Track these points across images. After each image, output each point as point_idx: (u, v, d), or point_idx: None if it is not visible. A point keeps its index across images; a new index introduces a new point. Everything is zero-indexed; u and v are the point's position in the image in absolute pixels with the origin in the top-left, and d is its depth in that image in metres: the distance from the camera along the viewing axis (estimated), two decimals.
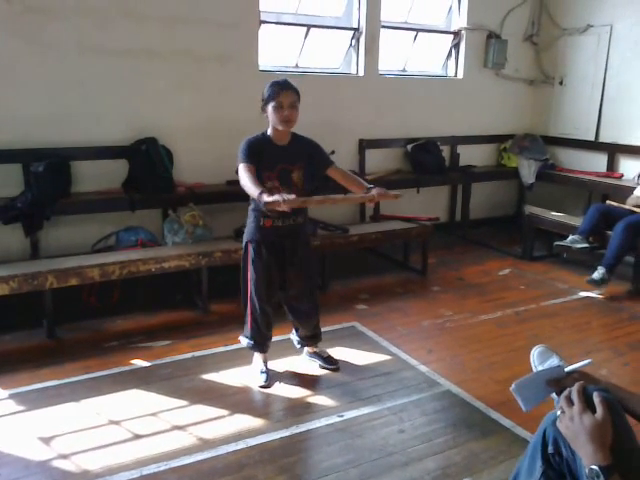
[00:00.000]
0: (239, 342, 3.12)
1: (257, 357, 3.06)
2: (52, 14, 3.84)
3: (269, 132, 2.82)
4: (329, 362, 3.14)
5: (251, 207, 2.88)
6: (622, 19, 5.29)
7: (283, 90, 2.70)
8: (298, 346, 3.21)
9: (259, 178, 2.70)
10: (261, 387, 2.92)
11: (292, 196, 2.49)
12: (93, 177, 4.13)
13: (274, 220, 2.81)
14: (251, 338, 2.99)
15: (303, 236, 3.01)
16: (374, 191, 2.75)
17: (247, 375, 3.02)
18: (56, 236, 4.04)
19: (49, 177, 3.75)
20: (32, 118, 3.89)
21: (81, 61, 3.98)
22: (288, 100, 2.71)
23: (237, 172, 2.74)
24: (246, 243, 2.91)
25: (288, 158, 2.80)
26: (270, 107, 2.72)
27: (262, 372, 2.99)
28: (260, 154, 2.74)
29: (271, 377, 2.98)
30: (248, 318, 2.97)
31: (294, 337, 3.21)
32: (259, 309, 2.91)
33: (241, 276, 2.96)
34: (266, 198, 2.48)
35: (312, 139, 2.93)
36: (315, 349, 3.20)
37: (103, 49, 4.03)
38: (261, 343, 3.01)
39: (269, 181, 2.76)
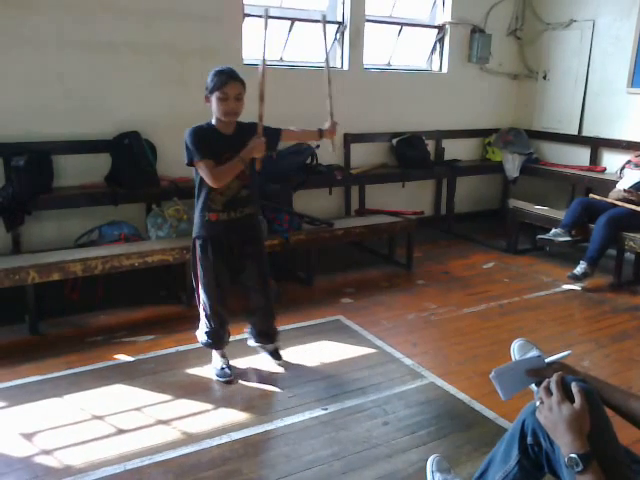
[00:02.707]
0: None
1: (215, 355, 3.00)
2: (31, 8, 3.79)
3: (213, 122, 2.70)
4: (274, 356, 3.09)
5: (196, 200, 2.78)
6: (604, 14, 5.33)
7: (229, 81, 2.57)
8: (250, 342, 3.12)
9: None
10: (225, 383, 2.89)
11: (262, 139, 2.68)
12: (75, 171, 4.09)
13: (219, 214, 2.72)
14: (207, 336, 2.92)
15: (255, 231, 2.90)
16: (327, 125, 2.98)
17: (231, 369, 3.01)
18: (38, 231, 4.00)
19: (30, 171, 3.70)
20: (12, 112, 3.83)
21: (61, 55, 3.93)
22: (234, 91, 2.59)
23: (189, 164, 2.67)
24: (193, 239, 2.82)
25: (234, 147, 2.68)
26: (214, 97, 2.59)
27: (221, 369, 2.94)
28: (207, 144, 2.64)
29: (234, 373, 2.93)
30: (201, 316, 2.90)
31: (248, 334, 3.12)
32: (209, 308, 2.84)
33: (192, 274, 2.89)
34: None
35: (254, 122, 2.74)
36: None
37: (83, 43, 3.98)
38: (216, 341, 2.94)
39: None
